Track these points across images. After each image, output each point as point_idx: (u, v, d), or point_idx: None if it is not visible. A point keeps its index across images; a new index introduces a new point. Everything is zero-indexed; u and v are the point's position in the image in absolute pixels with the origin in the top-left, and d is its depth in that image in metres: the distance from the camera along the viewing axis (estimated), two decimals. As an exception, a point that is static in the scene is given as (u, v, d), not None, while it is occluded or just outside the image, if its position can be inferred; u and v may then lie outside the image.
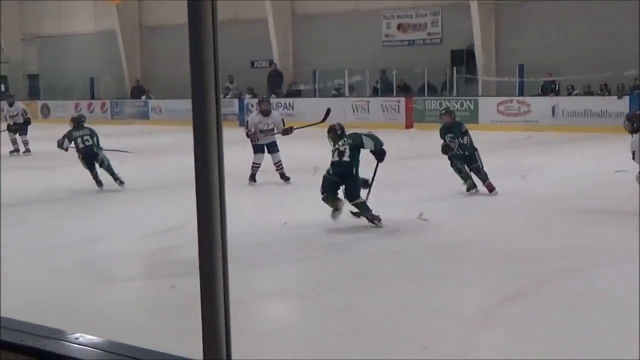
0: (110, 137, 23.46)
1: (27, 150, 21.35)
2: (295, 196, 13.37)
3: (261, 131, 14.68)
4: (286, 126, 14.10)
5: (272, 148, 14.77)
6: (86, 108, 36.30)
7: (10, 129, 21.51)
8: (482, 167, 12.88)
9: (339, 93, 30.91)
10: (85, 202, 13.54)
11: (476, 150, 13.01)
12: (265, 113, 14.88)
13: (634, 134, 11.04)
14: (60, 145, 14.80)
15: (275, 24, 33.01)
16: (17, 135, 21.39)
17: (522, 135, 21.81)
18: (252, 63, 33.91)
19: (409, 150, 18.72)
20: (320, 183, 10.70)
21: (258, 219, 11.23)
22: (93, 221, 11.57)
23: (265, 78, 32.62)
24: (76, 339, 2.41)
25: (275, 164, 14.84)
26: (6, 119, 21.79)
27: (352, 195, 10.59)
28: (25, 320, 2.68)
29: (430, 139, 16.21)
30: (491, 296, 7.29)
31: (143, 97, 35.45)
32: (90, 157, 14.45)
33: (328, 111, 14.75)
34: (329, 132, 11.11)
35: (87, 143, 14.51)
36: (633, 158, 10.95)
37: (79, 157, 14.60)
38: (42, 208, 12.99)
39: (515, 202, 12.27)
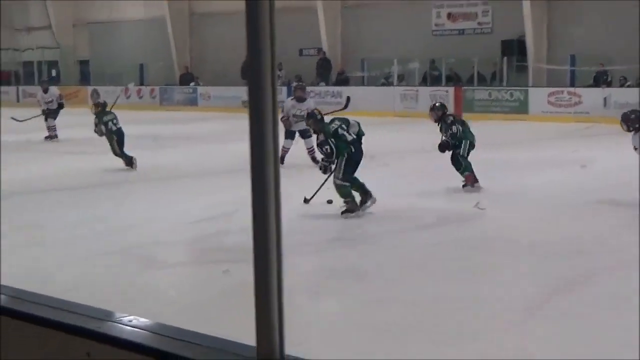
0: (158, 124, 23.64)
1: (53, 137, 21.22)
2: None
3: (294, 116, 15.06)
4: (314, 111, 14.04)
5: (305, 134, 15.02)
6: (135, 94, 36.59)
7: (45, 114, 21.51)
8: (465, 156, 12.38)
9: (387, 82, 30.84)
10: (135, 187, 13.65)
11: (467, 139, 12.52)
12: (300, 99, 15.41)
13: (634, 133, 11.18)
14: (99, 132, 15.11)
15: (325, 12, 33.00)
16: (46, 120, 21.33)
17: (573, 127, 21.63)
18: (301, 51, 33.94)
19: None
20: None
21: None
22: (143, 206, 11.66)
23: (313, 66, 32.64)
24: (129, 321, 2.44)
25: (307, 149, 15.22)
26: (41, 105, 21.83)
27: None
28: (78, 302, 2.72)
29: (478, 129, 16.09)
30: (537, 289, 7.24)
31: (192, 84, 35.61)
32: (122, 138, 15.07)
33: (348, 99, 15.18)
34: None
35: (118, 125, 15.20)
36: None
37: (112, 139, 15.10)
38: (91, 192, 13.10)
39: (566, 194, 12.15)
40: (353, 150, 10.53)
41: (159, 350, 2.18)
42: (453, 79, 29.43)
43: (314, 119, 11.15)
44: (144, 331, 2.34)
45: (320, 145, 10.72)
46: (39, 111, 21.72)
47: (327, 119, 11.23)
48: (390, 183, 12.93)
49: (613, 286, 7.42)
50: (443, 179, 12.78)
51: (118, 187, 13.66)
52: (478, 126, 16.20)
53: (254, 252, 2.03)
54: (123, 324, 2.39)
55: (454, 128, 12.50)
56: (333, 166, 10.61)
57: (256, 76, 2.04)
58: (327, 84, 31.70)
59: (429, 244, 9.12)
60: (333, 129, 10.62)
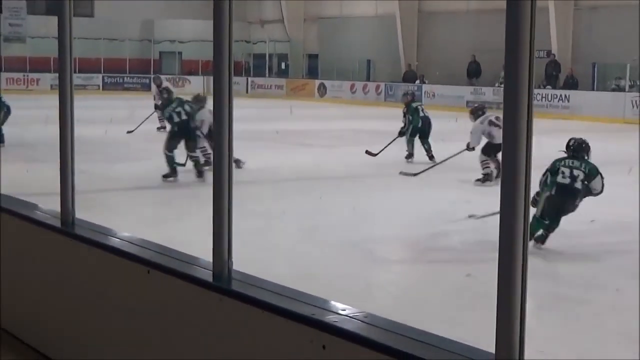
0: (386, 119, 23.82)
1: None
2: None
3: None
4: None
5: None
6: (361, 89, 37.02)
7: (156, 107, 21.35)
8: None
9: (618, 87, 29.83)
10: (353, 182, 13.75)
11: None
12: None
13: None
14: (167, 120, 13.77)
15: (557, 13, 32.26)
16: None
17: None
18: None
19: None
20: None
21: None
22: (363, 201, 11.75)
23: (542, 68, 31.97)
24: (365, 317, 2.45)
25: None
26: (154, 98, 21.81)
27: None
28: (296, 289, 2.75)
29: None
30: None
31: (417, 82, 35.66)
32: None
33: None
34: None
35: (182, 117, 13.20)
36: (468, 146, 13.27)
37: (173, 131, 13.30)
38: (312, 185, 13.34)
39: None
40: None
41: (397, 350, 2.18)
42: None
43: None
44: (380, 328, 2.35)
45: None
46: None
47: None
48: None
49: None
50: None
51: (346, 181, 13.82)
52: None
53: (500, 257, 1.99)
54: (359, 320, 2.40)
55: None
56: None
57: (513, 77, 2.00)
58: (554, 88, 30.99)
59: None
60: None
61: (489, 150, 13.06)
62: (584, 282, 7.90)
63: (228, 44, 2.94)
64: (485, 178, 12.83)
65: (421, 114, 16.43)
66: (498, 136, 12.32)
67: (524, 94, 2.02)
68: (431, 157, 15.36)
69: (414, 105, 16.74)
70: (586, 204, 10.67)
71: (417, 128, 16.14)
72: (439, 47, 36.31)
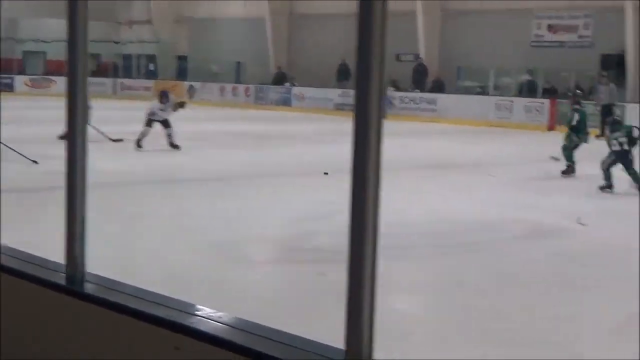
0: (255, 121, 23.84)
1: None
2: (437, 190, 13.27)
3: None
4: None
5: (167, 124, 17.62)
6: (231, 92, 36.94)
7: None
8: None
9: (482, 91, 30.58)
10: (230, 185, 13.69)
11: None
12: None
13: None
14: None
15: (424, 18, 32.84)
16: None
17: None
18: (398, 56, 33.79)
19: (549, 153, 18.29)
20: None
21: (406, 210, 11.07)
22: (237, 204, 11.71)
23: (410, 72, 32.50)
24: (219, 317, 2.45)
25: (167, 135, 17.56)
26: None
27: None
28: (161, 293, 2.74)
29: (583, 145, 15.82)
30: (630, 309, 7.08)
31: (286, 84, 35.80)
32: None
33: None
34: None
35: None
36: None
37: None
38: (179, 187, 13.24)
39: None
40: None
41: (248, 348, 2.19)
42: (549, 91, 28.99)
43: None
44: (234, 328, 2.35)
45: None
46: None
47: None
48: (493, 193, 12.92)
49: None
50: (543, 191, 12.70)
51: (212, 183, 13.76)
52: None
53: (349, 255, 2.02)
54: (213, 320, 2.40)
55: None
56: None
57: (363, 79, 2.02)
58: (421, 91, 31.56)
59: (525, 257, 9.01)
60: None
61: None
62: (448, 280, 8.08)
63: (83, 44, 2.90)
64: None
65: None
66: None
67: (374, 97, 2.05)
68: None
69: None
70: (445, 205, 10.97)
71: None
72: (309, 50, 36.51)
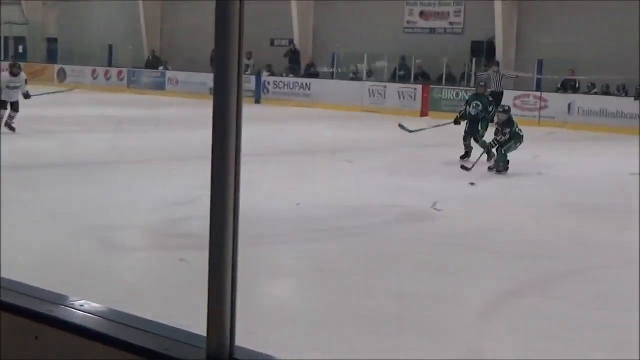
0: (125, 106, 23.53)
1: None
2: (313, 176, 13.34)
3: (7, 87, 17.40)
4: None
5: (15, 105, 17.60)
6: (103, 75, 36.34)
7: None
8: None
9: (356, 76, 30.86)
10: (99, 170, 13.53)
11: None
12: (14, 74, 17.83)
13: None
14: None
15: (298, 3, 32.92)
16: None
17: (537, 130, 21.74)
18: (272, 41, 33.82)
19: (422, 138, 18.59)
20: None
21: (272, 196, 11.16)
22: (105, 189, 11.57)
23: (285, 56, 32.56)
24: (81, 305, 2.41)
25: (9, 118, 17.58)
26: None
27: None
28: (29, 284, 2.69)
29: (446, 128, 16.20)
30: (496, 289, 7.28)
31: (160, 68, 35.42)
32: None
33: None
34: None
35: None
36: None
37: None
38: (56, 173, 12.99)
39: (527, 197, 12.25)
40: None
41: (109, 336, 2.16)
42: (422, 77, 29.46)
43: None
44: (95, 316, 2.32)
45: None
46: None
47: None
48: (363, 178, 13.07)
49: (570, 289, 7.47)
50: (407, 175, 12.89)
51: (81, 168, 13.54)
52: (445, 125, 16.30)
53: (210, 242, 2.02)
54: (75, 309, 2.36)
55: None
56: None
57: (222, 66, 2.02)
58: (296, 76, 31.66)
59: (389, 241, 9.14)
60: None
61: None
62: (316, 265, 8.14)
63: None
64: None
65: None
66: None
67: (233, 84, 2.05)
68: None
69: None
70: (315, 190, 11.05)
71: None
72: (182, 33, 36.16)
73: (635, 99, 23.98)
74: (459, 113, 16.30)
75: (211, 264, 2.02)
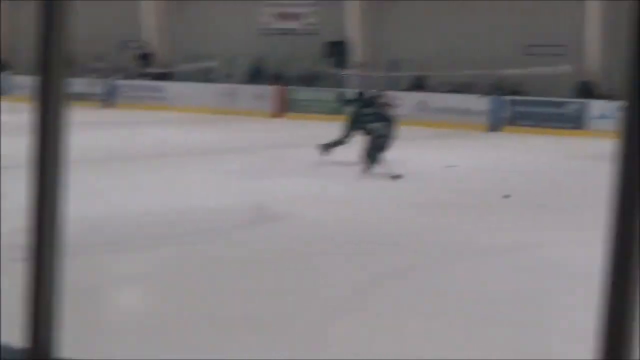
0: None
1: None
2: (159, 180, 13.16)
3: None
4: None
5: None
6: None
7: None
8: None
9: (210, 78, 30.64)
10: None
11: None
12: None
13: None
14: None
15: (149, 4, 32.50)
16: None
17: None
18: (124, 43, 33.26)
19: (277, 139, 18.66)
20: None
21: (117, 204, 10.91)
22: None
23: (137, 59, 32.13)
24: None
25: None
26: None
27: None
28: None
29: (301, 128, 16.22)
30: (342, 284, 7.31)
31: (5, 72, 34.23)
32: None
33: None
34: None
35: None
36: None
37: None
38: None
39: (374, 194, 12.41)
40: None
41: None
42: (278, 78, 29.47)
43: None
44: None
45: None
46: None
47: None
48: (217, 180, 13.00)
49: (415, 284, 7.58)
50: (258, 177, 12.91)
51: None
52: (300, 125, 16.33)
53: (29, 250, 1.95)
54: None
55: None
56: None
57: (44, 69, 1.96)
58: (148, 79, 31.24)
59: (240, 242, 9.10)
60: None
61: None
62: (168, 271, 8.02)
63: None
64: None
65: None
66: None
67: (55, 88, 1.99)
68: None
69: None
70: (169, 195, 10.89)
71: None
72: (24, 34, 35.08)
73: (478, 97, 24.72)
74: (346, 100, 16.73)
75: (31, 275, 1.96)
